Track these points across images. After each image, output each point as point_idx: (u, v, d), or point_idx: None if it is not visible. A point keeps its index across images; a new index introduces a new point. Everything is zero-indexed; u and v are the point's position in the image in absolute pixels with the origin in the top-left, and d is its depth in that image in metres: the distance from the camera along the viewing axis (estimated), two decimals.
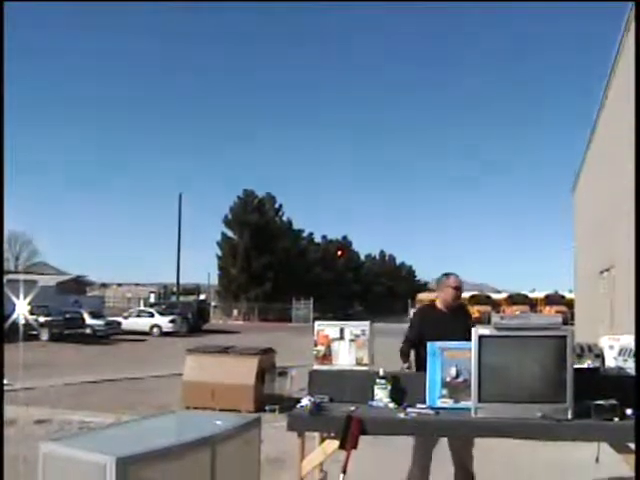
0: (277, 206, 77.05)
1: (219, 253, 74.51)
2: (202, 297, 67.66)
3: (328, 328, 6.58)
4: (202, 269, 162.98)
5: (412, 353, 7.23)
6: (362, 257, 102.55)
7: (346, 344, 6.50)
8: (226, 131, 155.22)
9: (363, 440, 5.67)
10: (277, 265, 70.36)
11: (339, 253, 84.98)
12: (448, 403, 6.06)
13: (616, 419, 5.66)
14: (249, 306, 69.22)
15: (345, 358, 6.49)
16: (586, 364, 6.32)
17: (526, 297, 67.08)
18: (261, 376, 13.18)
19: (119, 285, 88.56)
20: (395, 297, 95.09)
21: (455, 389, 6.07)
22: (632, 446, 5.86)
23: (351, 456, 5.62)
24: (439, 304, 7.34)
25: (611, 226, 14.42)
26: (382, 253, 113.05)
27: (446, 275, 7.36)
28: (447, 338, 6.23)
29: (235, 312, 70.23)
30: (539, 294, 67.82)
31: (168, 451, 3.87)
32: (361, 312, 80.00)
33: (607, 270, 14.43)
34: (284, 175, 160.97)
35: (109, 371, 20.05)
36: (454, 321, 6.99)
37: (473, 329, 5.88)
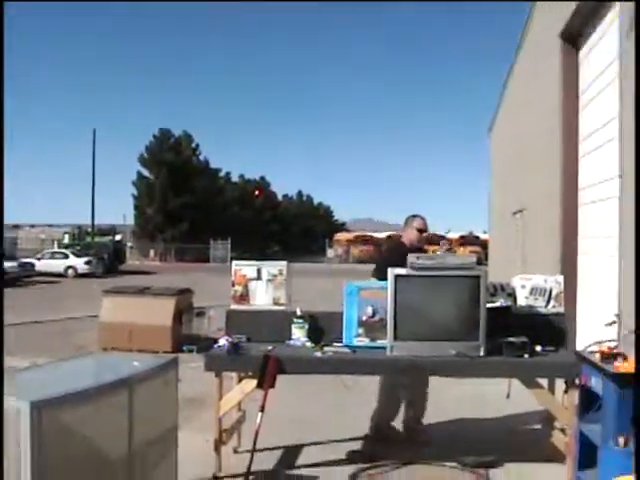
0: (194, 145, 76.00)
1: (135, 193, 73.38)
2: (118, 238, 66.59)
3: (245, 268, 6.58)
4: (117, 209, 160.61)
5: None
6: (280, 197, 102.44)
7: (263, 284, 6.52)
8: (142, 69, 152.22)
9: (280, 379, 5.74)
10: (194, 205, 69.64)
11: (257, 193, 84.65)
12: (364, 342, 6.15)
13: (526, 356, 5.84)
14: (166, 246, 68.58)
15: (262, 298, 6.51)
16: (498, 303, 6.47)
17: (442, 237, 68.08)
18: (178, 316, 13.12)
19: (32, 226, 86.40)
20: (313, 237, 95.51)
21: (371, 328, 6.16)
22: (541, 382, 6.07)
23: (269, 395, 5.68)
24: (405, 240, 7.44)
25: (524, 168, 14.68)
26: (300, 193, 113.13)
27: (413, 217, 7.47)
28: None
29: (152, 253, 69.52)
30: (454, 235, 68.96)
31: (85, 394, 3.83)
32: (279, 252, 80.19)
33: (520, 212, 14.71)
34: (200, 114, 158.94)
35: (24, 314, 19.68)
36: None
37: (389, 269, 5.97)
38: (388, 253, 7.86)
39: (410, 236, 7.38)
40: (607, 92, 7.95)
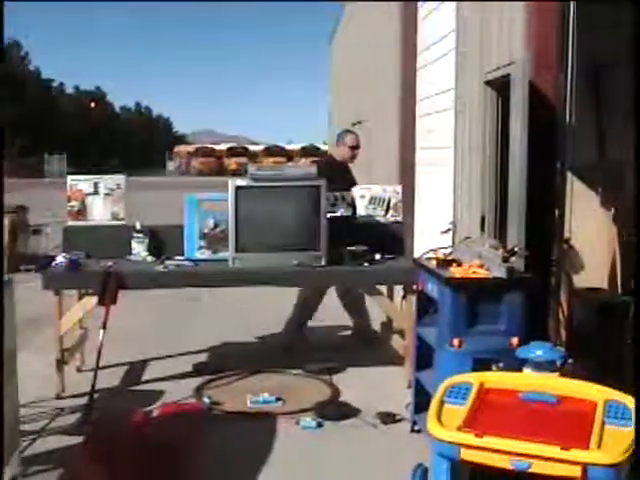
0: (23, 53, 72.19)
1: None
2: None
3: (82, 183, 6.38)
4: None
5: None
6: (117, 109, 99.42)
7: (101, 199, 6.34)
8: None
9: (122, 295, 5.65)
10: (26, 118, 66.54)
11: (92, 105, 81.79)
12: (206, 254, 6.13)
13: (366, 264, 5.98)
14: None
15: (100, 213, 6.35)
16: (339, 213, 6.56)
17: (283, 149, 68.23)
18: (14, 235, 12.63)
19: None
20: (152, 150, 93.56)
21: (213, 240, 6.13)
22: (381, 288, 6.25)
23: (110, 311, 5.58)
24: (336, 157, 7.59)
25: (364, 80, 14.78)
26: (138, 105, 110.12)
27: (345, 132, 7.67)
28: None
29: None
30: (295, 146, 69.12)
31: None
32: (118, 166, 78.14)
33: (359, 123, 14.86)
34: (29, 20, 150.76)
35: None
36: (349, 174, 7.37)
37: (230, 180, 5.94)
38: (318, 171, 7.76)
39: (342, 152, 7.49)
40: (445, 5, 8.04)
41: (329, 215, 6.19)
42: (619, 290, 7.15)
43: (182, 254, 6.13)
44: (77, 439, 4.80)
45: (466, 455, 3.41)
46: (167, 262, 5.94)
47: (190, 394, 5.91)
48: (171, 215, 7.06)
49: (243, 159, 55.83)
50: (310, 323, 7.49)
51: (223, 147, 69.75)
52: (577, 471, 3.17)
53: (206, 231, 6.15)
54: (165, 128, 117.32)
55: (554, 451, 3.18)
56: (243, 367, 6.56)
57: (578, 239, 6.87)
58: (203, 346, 7.22)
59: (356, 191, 6.72)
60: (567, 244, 6.54)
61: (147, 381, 6.33)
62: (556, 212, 5.54)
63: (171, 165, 74.79)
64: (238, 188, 5.87)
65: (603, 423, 3.39)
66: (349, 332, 7.81)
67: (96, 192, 6.33)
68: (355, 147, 7.50)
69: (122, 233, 6.25)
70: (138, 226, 6.26)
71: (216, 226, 6.13)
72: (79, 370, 6.49)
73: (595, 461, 3.16)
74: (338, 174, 7.09)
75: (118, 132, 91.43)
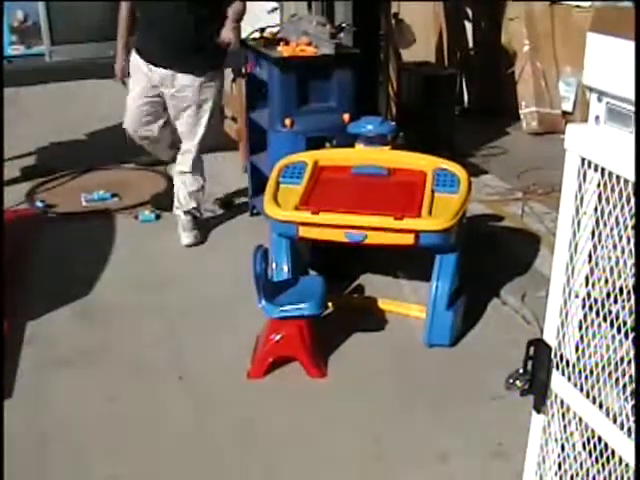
0: None
1: None
2: None
3: None
4: None
5: None
6: None
7: None
8: None
9: None
10: None
11: None
12: (20, 50, 5.73)
13: None
14: None
15: None
16: None
17: None
18: None
19: None
20: None
21: (25, 34, 5.74)
22: None
23: None
24: None
25: None
26: None
27: None
28: None
29: None
30: None
31: None
32: None
33: None
34: None
35: None
36: None
37: None
38: None
39: None
40: None
41: None
42: (446, 63, 7.29)
43: None
44: None
45: (303, 232, 3.48)
46: None
47: (21, 200, 5.68)
48: None
49: None
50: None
51: None
52: (410, 239, 3.30)
53: (16, 24, 5.71)
54: None
55: (388, 221, 3.28)
56: (74, 166, 6.32)
57: (406, 13, 6.86)
58: (28, 149, 6.83)
59: None
60: (396, 18, 6.52)
61: None
62: None
63: None
64: None
65: (433, 191, 3.51)
66: None
67: None
68: None
69: None
70: None
71: (26, 18, 5.69)
72: None
73: (426, 228, 3.30)
74: None
75: None
